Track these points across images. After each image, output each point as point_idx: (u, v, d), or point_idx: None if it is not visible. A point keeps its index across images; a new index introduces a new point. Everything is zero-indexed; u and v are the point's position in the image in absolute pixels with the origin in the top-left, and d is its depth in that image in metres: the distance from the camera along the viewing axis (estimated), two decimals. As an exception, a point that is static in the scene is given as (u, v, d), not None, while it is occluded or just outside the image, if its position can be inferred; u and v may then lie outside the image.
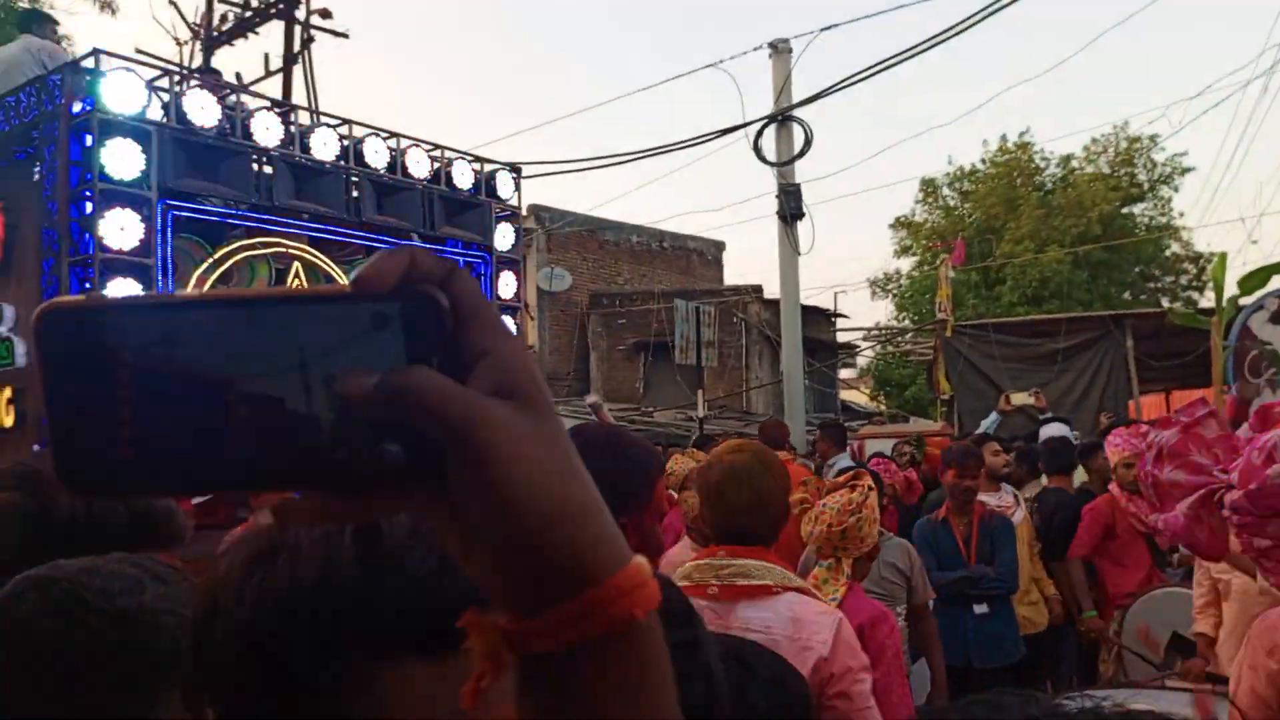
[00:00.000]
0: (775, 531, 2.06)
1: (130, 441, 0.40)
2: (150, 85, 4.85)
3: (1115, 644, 4.49)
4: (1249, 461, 1.23)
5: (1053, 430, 6.51)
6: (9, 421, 5.17)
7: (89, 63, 4.75)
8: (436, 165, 6.17)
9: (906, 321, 27.18)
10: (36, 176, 5.00)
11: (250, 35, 12.04)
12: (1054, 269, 22.35)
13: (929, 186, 27.25)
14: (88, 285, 4.61)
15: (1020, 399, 7.75)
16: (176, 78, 5.09)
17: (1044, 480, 5.75)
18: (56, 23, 6.72)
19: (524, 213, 10.12)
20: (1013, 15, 9.72)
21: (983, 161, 26.87)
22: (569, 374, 19.14)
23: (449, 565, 0.62)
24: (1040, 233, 23.56)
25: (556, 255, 18.93)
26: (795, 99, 10.05)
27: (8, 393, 5.21)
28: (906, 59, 9.01)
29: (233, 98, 5.27)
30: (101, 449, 0.40)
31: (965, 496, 4.35)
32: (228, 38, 12.15)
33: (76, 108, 4.73)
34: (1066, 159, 25.98)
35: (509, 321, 6.71)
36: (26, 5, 11.65)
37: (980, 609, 4.17)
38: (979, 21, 8.57)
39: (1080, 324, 12.29)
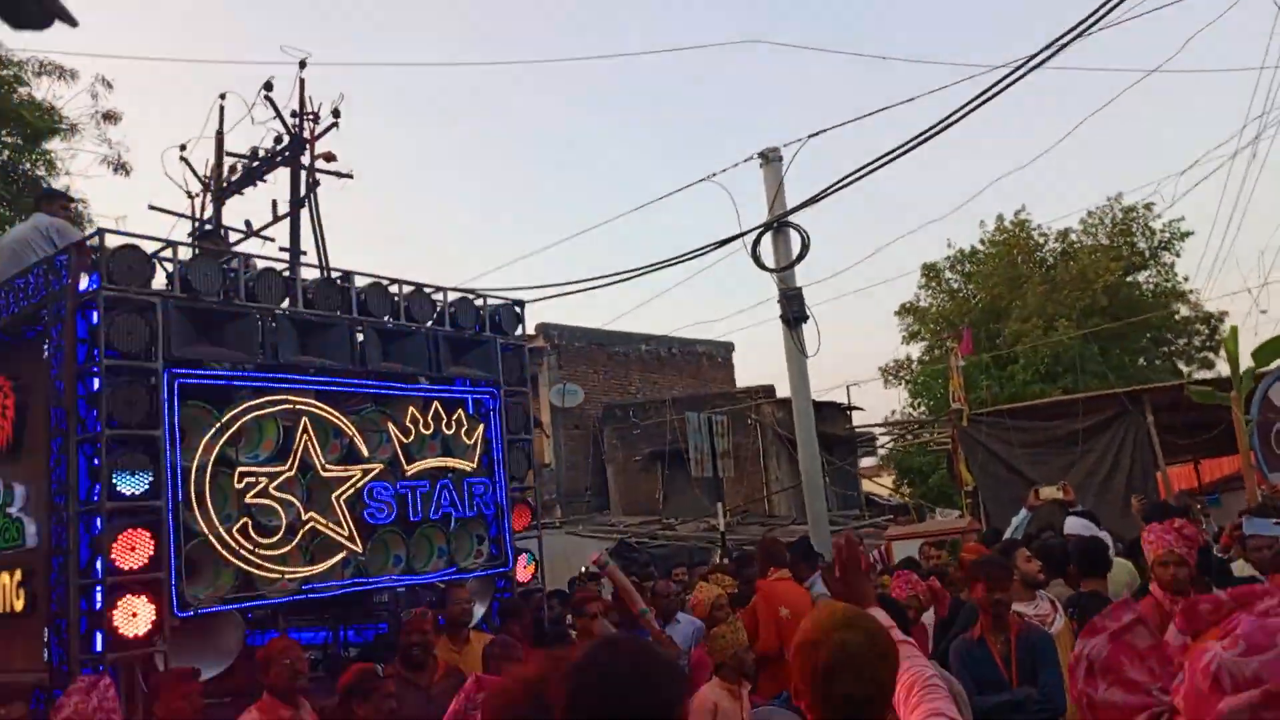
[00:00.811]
0: (884, 714, 1.91)
1: None
2: (155, 256, 4.94)
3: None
4: (1193, 686, 1.10)
5: (1075, 526, 6.25)
6: (19, 605, 5.08)
7: (94, 241, 4.85)
8: (440, 306, 6.22)
9: (922, 407, 27.01)
10: (46, 354, 5.05)
11: (259, 183, 12.44)
12: (1065, 344, 22.30)
13: (930, 271, 27.47)
14: (96, 463, 4.58)
15: (1049, 493, 7.52)
16: (183, 248, 5.19)
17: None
18: (69, 200, 6.93)
19: (532, 332, 10.21)
20: (998, 102, 9.98)
21: (982, 242, 27.15)
22: (587, 488, 18.97)
23: None
24: (1047, 308, 23.58)
25: (567, 370, 19.02)
26: (789, 204, 10.21)
27: (18, 575, 5.13)
28: (895, 158, 9.17)
29: (235, 261, 5.36)
30: None
31: (998, 611, 4.18)
32: (237, 188, 12.53)
33: (83, 284, 4.81)
34: (1064, 233, 26.25)
35: (520, 452, 6.65)
36: (46, 181, 12.07)
37: (1028, 735, 3.95)
38: (964, 116, 8.74)
39: (1097, 403, 12.15)
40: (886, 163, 9.12)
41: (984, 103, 8.72)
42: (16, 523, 5.26)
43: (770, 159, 10.35)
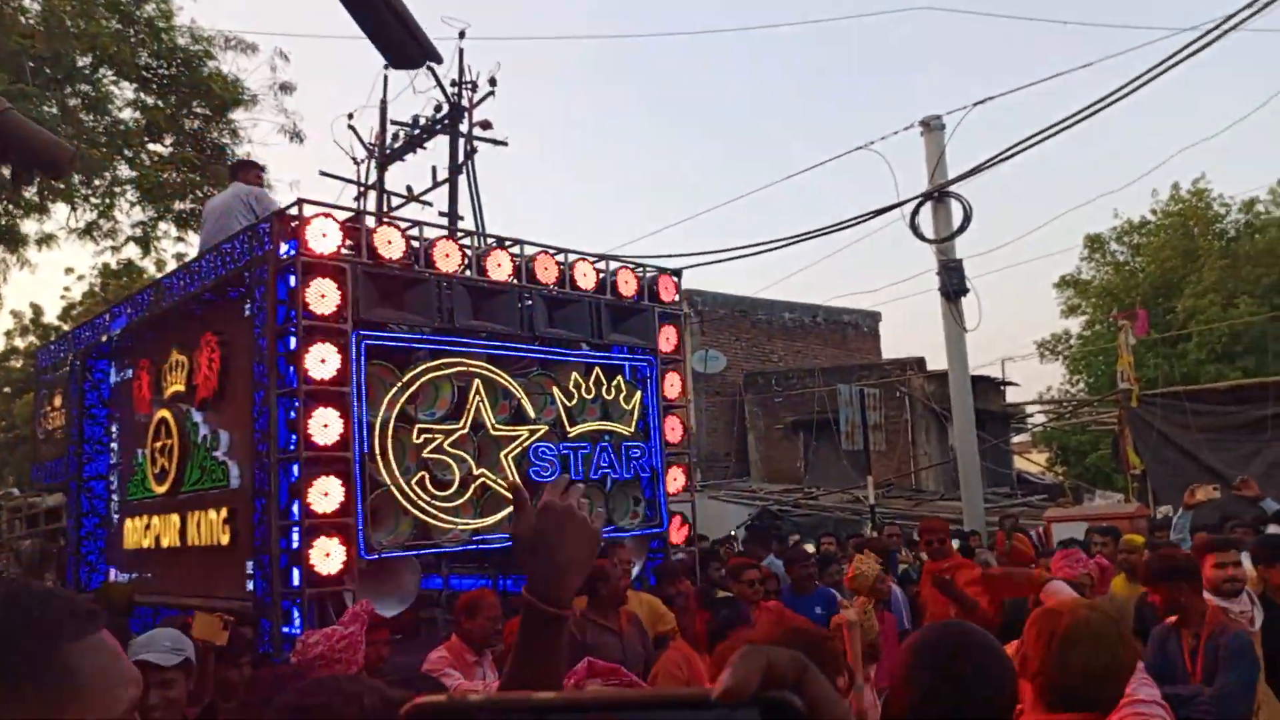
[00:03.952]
0: (1117, 702, 1.87)
1: None
2: (345, 226, 5.26)
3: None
4: None
5: (1280, 524, 5.78)
6: (225, 539, 5.59)
7: (293, 210, 5.21)
8: (601, 275, 6.37)
9: (1080, 384, 25.70)
10: (247, 313, 5.48)
11: (419, 150, 12.98)
12: (1248, 323, 20.68)
13: (1095, 243, 25.95)
14: (292, 415, 4.96)
15: (1205, 493, 6.96)
16: (369, 219, 5.50)
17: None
18: (261, 168, 7.44)
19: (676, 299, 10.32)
20: (1178, 72, 9.14)
21: (1153, 212, 25.43)
22: (728, 455, 19.05)
23: None
24: (1227, 284, 21.91)
25: (710, 337, 19.06)
26: (950, 174, 9.86)
27: (224, 512, 5.65)
28: (1064, 129, 8.70)
29: (415, 230, 5.64)
30: None
31: (1184, 609, 3.99)
32: (399, 154, 13.12)
33: (283, 250, 5.18)
34: (1250, 204, 24.22)
35: (675, 421, 6.78)
36: (232, 149, 12.91)
37: (1194, 735, 3.76)
38: (1139, 88, 8.20)
39: (1289, 388, 11.22)
40: (1059, 131, 8.67)
41: (1172, 67, 8.16)
42: (222, 465, 5.77)
43: (932, 127, 10.02)
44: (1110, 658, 1.80)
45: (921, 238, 9.86)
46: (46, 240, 12.82)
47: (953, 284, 9.67)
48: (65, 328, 19.75)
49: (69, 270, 22.81)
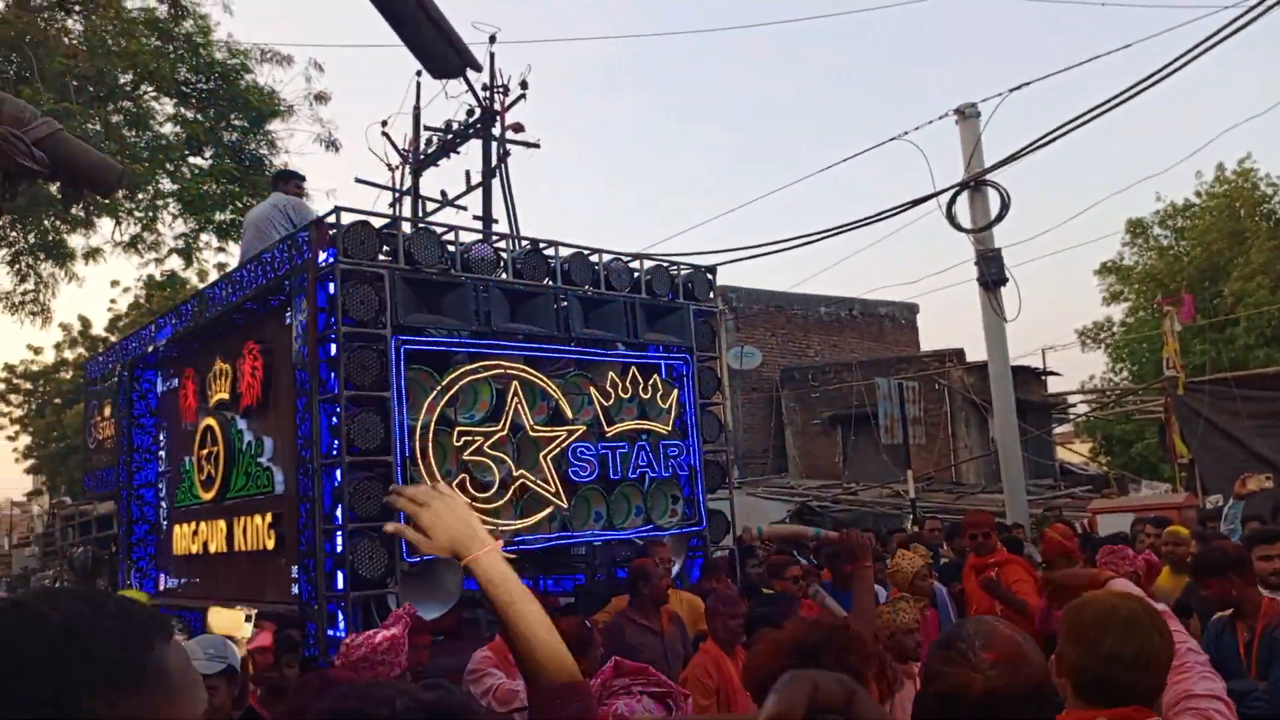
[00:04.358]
0: (1157, 693, 1.81)
1: None
2: (382, 233, 5.32)
3: None
4: None
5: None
6: (270, 544, 5.69)
7: (331, 219, 5.28)
8: (636, 275, 6.38)
9: (1124, 372, 25.25)
10: (288, 321, 5.57)
11: (453, 155, 13.09)
12: (1297, 305, 20.19)
13: (1137, 227, 25.47)
14: (334, 420, 5.04)
15: (1257, 482, 6.81)
16: (405, 225, 5.56)
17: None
18: (302, 178, 7.55)
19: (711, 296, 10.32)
20: (1219, 51, 8.93)
21: (1197, 194, 24.89)
22: (765, 451, 18.98)
23: None
24: (1276, 265, 21.40)
25: (745, 334, 18.99)
26: (987, 163, 9.74)
27: (269, 517, 5.75)
28: (1103, 113, 8.55)
29: (450, 234, 5.69)
30: None
31: (1240, 602, 3.92)
32: (433, 160, 13.24)
33: (322, 258, 5.25)
34: (1299, 182, 23.61)
35: (712, 418, 6.77)
36: (269, 160, 13.11)
37: (1250, 731, 3.68)
38: (1180, 68, 8.03)
39: (1341, 371, 10.96)
40: (1099, 115, 8.52)
41: (1213, 46, 7.98)
42: (267, 471, 5.88)
43: (967, 115, 9.90)
44: (1141, 647, 1.74)
45: (958, 228, 9.75)
46: (93, 254, 13.11)
47: (991, 274, 9.55)
48: (113, 339, 20.20)
49: (115, 283, 23.34)
